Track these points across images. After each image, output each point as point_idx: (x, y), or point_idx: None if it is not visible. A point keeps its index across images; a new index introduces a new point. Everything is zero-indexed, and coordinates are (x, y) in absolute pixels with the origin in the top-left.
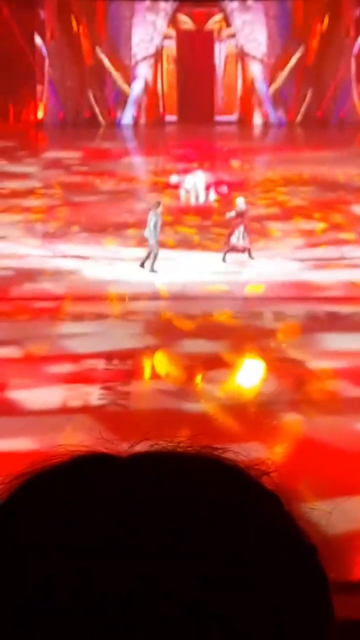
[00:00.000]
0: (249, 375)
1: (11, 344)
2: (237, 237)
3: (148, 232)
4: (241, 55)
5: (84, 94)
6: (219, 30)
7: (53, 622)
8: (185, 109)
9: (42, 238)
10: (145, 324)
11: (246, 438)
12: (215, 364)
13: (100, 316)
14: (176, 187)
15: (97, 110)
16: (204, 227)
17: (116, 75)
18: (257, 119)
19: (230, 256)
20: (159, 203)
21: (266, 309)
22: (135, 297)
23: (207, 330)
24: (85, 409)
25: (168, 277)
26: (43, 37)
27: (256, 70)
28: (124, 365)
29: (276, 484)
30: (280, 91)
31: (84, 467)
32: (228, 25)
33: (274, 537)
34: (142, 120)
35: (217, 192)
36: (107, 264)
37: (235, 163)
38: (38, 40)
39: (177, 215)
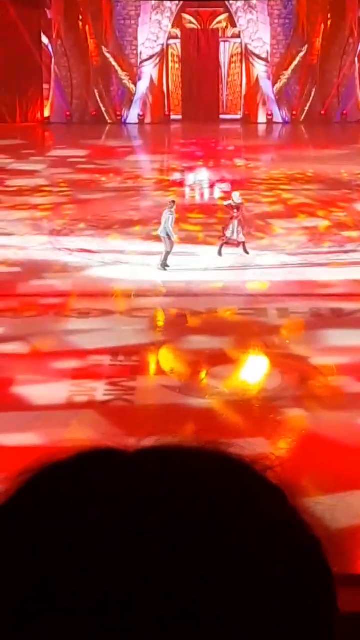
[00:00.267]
0: (254, 371)
1: (18, 340)
2: (232, 231)
3: (162, 231)
4: (246, 55)
5: (90, 92)
6: (224, 30)
7: (52, 621)
8: (190, 108)
9: (49, 235)
10: (151, 320)
11: (250, 433)
12: (219, 360)
13: (105, 312)
14: (181, 184)
15: (103, 108)
16: (209, 224)
17: (122, 74)
18: (262, 118)
19: (231, 255)
20: (173, 202)
21: (270, 306)
22: (140, 294)
23: (212, 327)
24: (91, 405)
25: (173, 274)
26: (49, 37)
27: (261, 69)
28: (130, 361)
29: (280, 479)
30: (284, 90)
31: (89, 464)
32: (233, 24)
33: (278, 532)
34: (148, 119)
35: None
36: (112, 261)
37: (239, 161)
38: (45, 39)
39: (182, 213)
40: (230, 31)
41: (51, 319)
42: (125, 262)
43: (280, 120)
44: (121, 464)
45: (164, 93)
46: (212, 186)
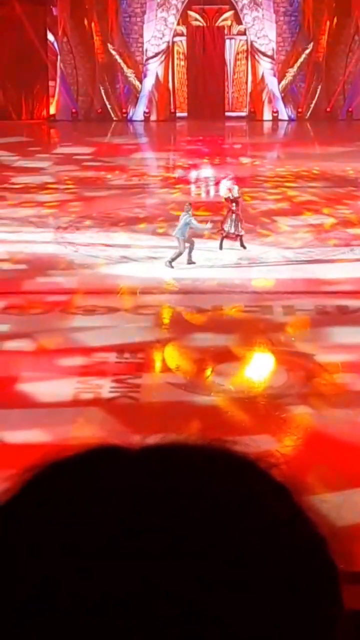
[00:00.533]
0: (259, 368)
1: (23, 337)
2: (230, 225)
3: (177, 232)
4: (251, 52)
5: (95, 90)
6: (230, 27)
7: (53, 621)
8: (195, 105)
9: (54, 232)
10: (156, 318)
11: (256, 431)
12: (225, 357)
13: (111, 310)
14: (186, 182)
15: (108, 106)
16: (215, 221)
17: (128, 71)
18: (267, 115)
19: (236, 252)
20: (190, 205)
21: (276, 303)
22: (146, 291)
23: (217, 324)
24: (96, 402)
25: (179, 271)
26: (55, 34)
27: (266, 66)
28: (135, 358)
29: (285, 476)
30: (290, 87)
31: (93, 462)
32: (238, 22)
33: (282, 530)
34: (153, 116)
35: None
36: (118, 258)
37: (244, 158)
38: (50, 36)
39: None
40: (235, 28)
41: (57, 316)
42: (130, 259)
43: (286, 118)
44: (125, 462)
45: (170, 90)
46: (217, 183)
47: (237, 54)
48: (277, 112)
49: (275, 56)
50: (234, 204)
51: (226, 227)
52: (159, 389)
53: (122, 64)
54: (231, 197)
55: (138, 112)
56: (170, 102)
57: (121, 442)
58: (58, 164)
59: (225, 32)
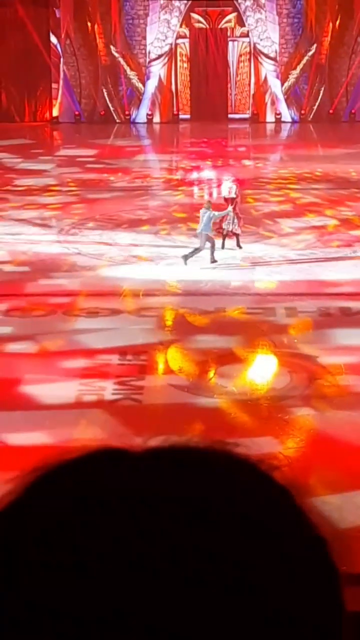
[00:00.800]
0: (262, 370)
1: (26, 339)
2: (228, 223)
3: (204, 228)
4: (254, 54)
5: (98, 92)
6: (233, 29)
7: (53, 621)
8: (198, 107)
9: (57, 234)
10: (159, 320)
11: (259, 433)
12: (228, 359)
13: (114, 312)
14: (190, 184)
15: (111, 108)
16: (217, 223)
17: (131, 73)
18: (270, 117)
19: (237, 253)
20: (209, 202)
21: (279, 305)
22: (149, 293)
23: (220, 326)
24: (99, 404)
25: (182, 272)
26: (58, 36)
27: (269, 68)
28: (138, 360)
29: (287, 478)
30: (293, 89)
31: (95, 464)
32: (241, 24)
33: (283, 532)
34: (156, 118)
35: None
36: (121, 260)
37: (247, 161)
38: (53, 39)
39: (190, 212)
40: (238, 30)
41: (60, 318)
42: (133, 261)
43: (289, 119)
44: (128, 464)
45: (173, 92)
46: (219, 184)
47: (240, 56)
48: (280, 114)
49: (278, 58)
50: (232, 204)
51: (225, 225)
52: (161, 391)
53: (125, 66)
54: (230, 197)
55: (141, 114)
56: (173, 104)
57: (124, 444)
58: (61, 166)
59: (228, 34)
